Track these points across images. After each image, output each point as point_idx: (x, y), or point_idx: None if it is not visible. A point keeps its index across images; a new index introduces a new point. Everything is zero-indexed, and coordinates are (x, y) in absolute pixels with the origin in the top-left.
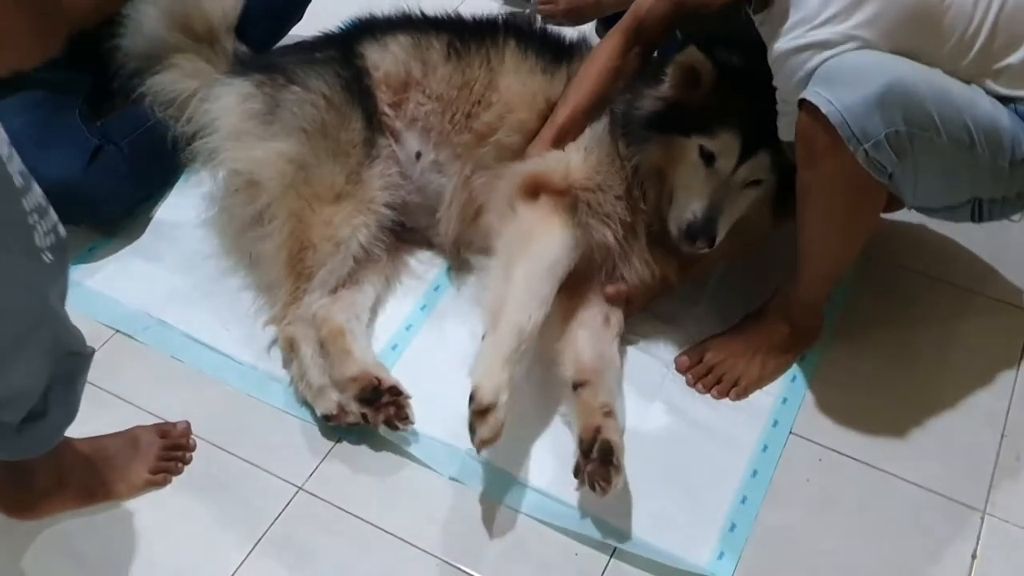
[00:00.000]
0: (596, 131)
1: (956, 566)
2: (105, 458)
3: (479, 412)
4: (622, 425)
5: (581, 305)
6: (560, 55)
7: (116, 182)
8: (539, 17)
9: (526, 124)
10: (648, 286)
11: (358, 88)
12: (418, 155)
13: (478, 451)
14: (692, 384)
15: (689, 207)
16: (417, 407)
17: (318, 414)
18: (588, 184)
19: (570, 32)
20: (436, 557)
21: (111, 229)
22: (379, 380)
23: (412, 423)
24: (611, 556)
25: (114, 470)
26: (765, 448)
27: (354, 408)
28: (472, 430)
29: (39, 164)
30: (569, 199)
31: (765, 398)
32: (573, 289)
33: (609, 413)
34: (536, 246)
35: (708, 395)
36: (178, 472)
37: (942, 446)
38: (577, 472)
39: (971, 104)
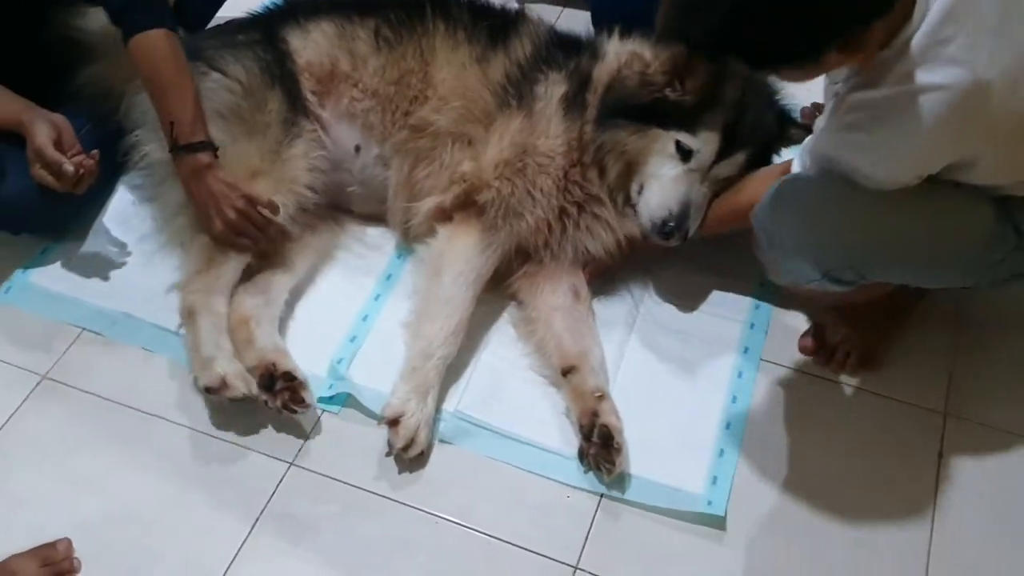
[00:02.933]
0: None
1: (924, 466)
2: None
3: (389, 423)
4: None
5: (547, 287)
6: (495, 37)
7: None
8: None
9: (463, 110)
10: (617, 253)
11: (280, 71)
12: (357, 148)
13: (398, 460)
14: (823, 363)
15: (663, 204)
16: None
17: (199, 386)
18: (506, 173)
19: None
20: (433, 515)
21: (61, 233)
22: (274, 366)
23: (308, 406)
24: (601, 496)
25: None
26: (740, 375)
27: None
28: (389, 442)
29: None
30: (476, 209)
31: (732, 326)
32: (533, 277)
33: (602, 396)
34: (444, 261)
35: (673, 330)
36: None
37: (900, 355)
38: (582, 456)
39: (931, 230)
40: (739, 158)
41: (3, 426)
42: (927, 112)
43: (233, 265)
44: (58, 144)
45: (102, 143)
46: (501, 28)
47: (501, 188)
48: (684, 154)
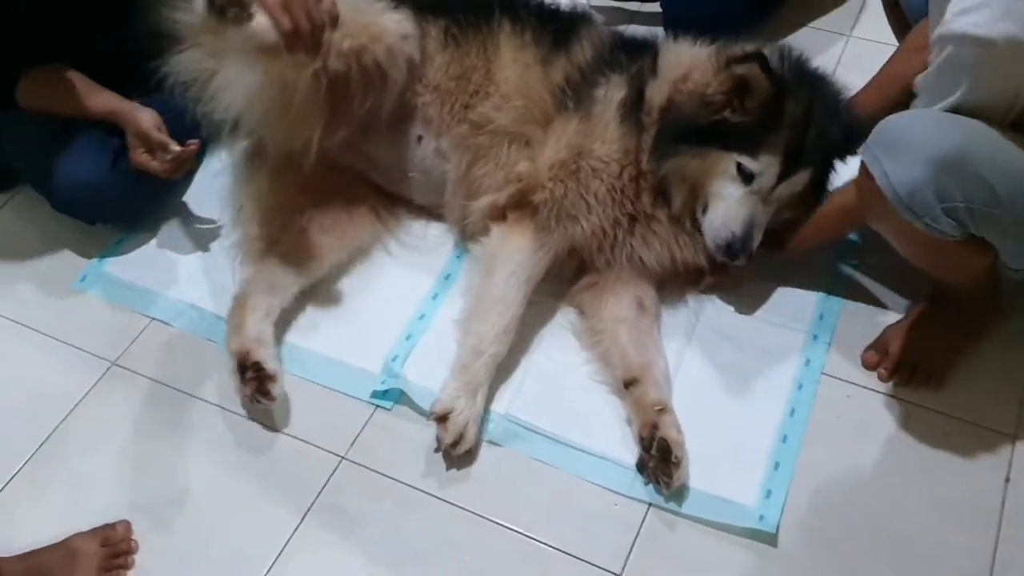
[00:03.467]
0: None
1: (990, 491)
2: (42, 575)
3: (438, 419)
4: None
5: (611, 299)
6: (559, 39)
7: (140, 180)
8: None
9: (523, 110)
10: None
11: None
12: (419, 139)
13: (446, 457)
14: (886, 379)
15: (726, 225)
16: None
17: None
18: (560, 174)
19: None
20: (479, 515)
21: (135, 224)
22: (248, 354)
23: (273, 399)
24: (650, 505)
25: None
26: (800, 387)
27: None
28: (437, 438)
29: (65, 166)
30: (531, 209)
31: (794, 336)
32: (596, 288)
33: (663, 410)
34: (497, 260)
35: (732, 338)
36: None
37: (969, 374)
38: (642, 468)
39: None
40: (802, 177)
41: (73, 409)
42: None
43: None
44: (160, 130)
45: (182, 134)
46: (565, 30)
47: (555, 189)
48: (746, 177)
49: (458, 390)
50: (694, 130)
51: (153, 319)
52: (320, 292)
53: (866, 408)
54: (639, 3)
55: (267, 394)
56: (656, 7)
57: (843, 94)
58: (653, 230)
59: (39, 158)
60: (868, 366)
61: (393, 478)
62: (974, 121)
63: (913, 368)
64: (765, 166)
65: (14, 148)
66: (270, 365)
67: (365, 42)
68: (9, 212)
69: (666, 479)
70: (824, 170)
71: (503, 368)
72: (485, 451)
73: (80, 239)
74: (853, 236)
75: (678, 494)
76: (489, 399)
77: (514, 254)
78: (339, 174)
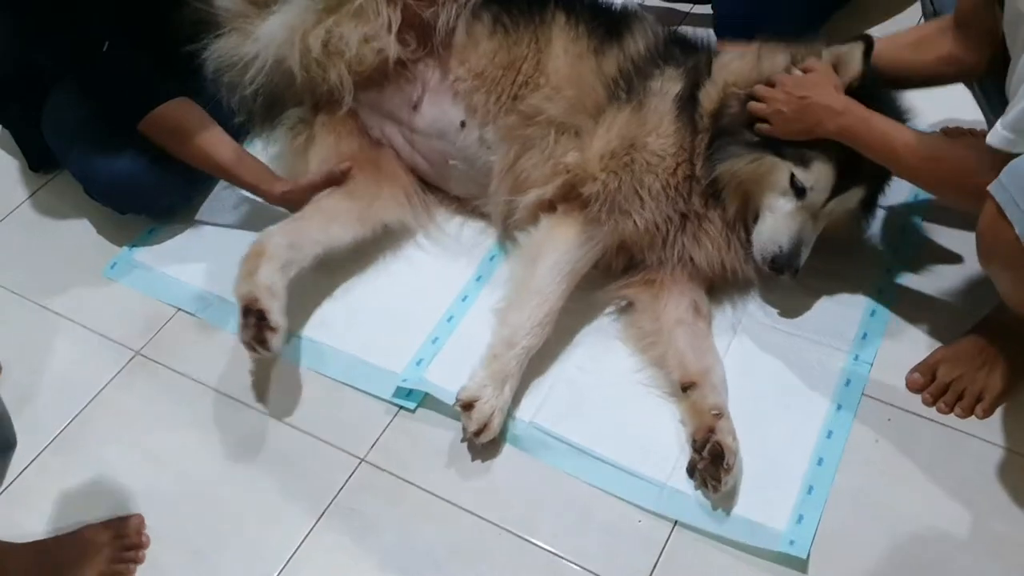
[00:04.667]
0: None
1: None
2: (52, 565)
3: (463, 407)
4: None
5: (670, 300)
6: (611, 31)
7: (179, 172)
8: None
9: (574, 100)
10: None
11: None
12: (463, 124)
13: (471, 447)
14: (931, 404)
15: (774, 239)
16: None
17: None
18: (612, 166)
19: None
20: (498, 526)
21: (167, 216)
22: (256, 301)
23: (269, 350)
24: (675, 524)
25: None
26: (839, 408)
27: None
28: (463, 427)
29: (106, 156)
30: (580, 202)
31: (836, 355)
32: (653, 287)
33: (720, 415)
34: (542, 251)
35: (771, 354)
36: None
37: (1019, 404)
38: (692, 470)
39: None
40: (856, 194)
41: (94, 397)
42: None
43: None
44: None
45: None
46: (618, 23)
47: (608, 181)
48: (798, 191)
49: (486, 379)
50: (747, 137)
51: (180, 310)
52: (348, 288)
53: (908, 433)
54: (691, 4)
55: (264, 343)
56: (708, 9)
57: (907, 113)
58: (706, 230)
59: (77, 145)
60: (913, 388)
61: (412, 483)
62: None
63: (960, 394)
64: (817, 179)
65: (53, 133)
66: (274, 317)
67: None
68: (47, 194)
69: (715, 483)
70: (877, 188)
71: (533, 376)
72: (507, 459)
73: (112, 227)
74: (905, 248)
75: (706, 512)
76: (516, 404)
77: (560, 244)
78: (378, 150)
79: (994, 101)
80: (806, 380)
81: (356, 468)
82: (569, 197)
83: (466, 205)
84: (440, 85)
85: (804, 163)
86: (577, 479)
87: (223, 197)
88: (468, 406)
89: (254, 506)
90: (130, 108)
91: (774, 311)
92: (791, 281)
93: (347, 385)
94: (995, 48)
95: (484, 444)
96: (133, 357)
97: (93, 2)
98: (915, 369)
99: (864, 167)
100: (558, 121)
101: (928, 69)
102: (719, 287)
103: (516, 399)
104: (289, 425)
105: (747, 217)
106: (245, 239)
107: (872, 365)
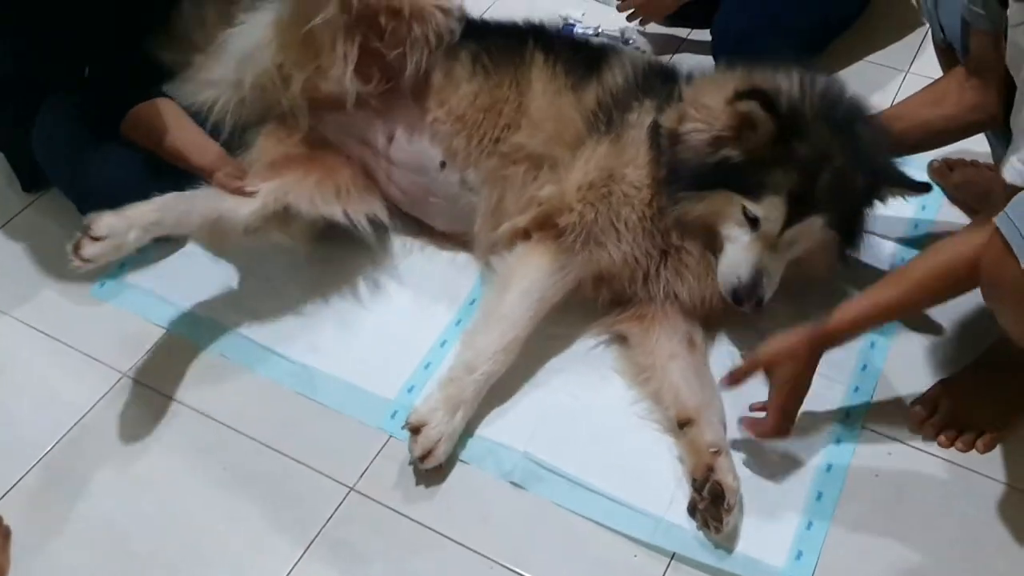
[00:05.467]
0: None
1: None
2: None
3: (411, 430)
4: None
5: (662, 333)
6: (590, 66)
7: (170, 183)
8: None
9: (553, 132)
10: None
11: None
12: (442, 165)
13: (416, 471)
14: (932, 437)
15: (734, 269)
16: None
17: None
18: (590, 197)
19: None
20: (489, 559)
21: None
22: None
23: (85, 260)
24: (671, 559)
25: None
26: (839, 441)
27: None
28: (408, 449)
29: (96, 163)
30: (555, 231)
31: (834, 387)
32: (645, 321)
33: (718, 452)
34: (513, 277)
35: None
36: None
37: (1020, 437)
38: (692, 510)
39: None
40: (815, 222)
41: (79, 420)
42: None
43: None
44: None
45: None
46: (597, 57)
47: (584, 212)
48: (751, 221)
49: (439, 402)
50: (699, 168)
51: (169, 331)
52: (340, 312)
53: (908, 467)
54: (689, 29)
55: (78, 249)
56: (707, 35)
57: (882, 136)
58: (685, 263)
59: (67, 162)
60: (914, 422)
61: (403, 514)
62: None
63: (961, 428)
64: (768, 210)
65: (43, 150)
66: (100, 229)
67: None
68: (35, 212)
69: (716, 524)
70: (850, 218)
71: (522, 404)
72: (499, 491)
73: None
74: None
75: (702, 547)
76: (507, 433)
77: (531, 272)
78: (324, 151)
79: (1000, 135)
80: (805, 412)
81: (345, 497)
82: (545, 226)
83: (452, 240)
84: (418, 123)
85: (754, 194)
86: (571, 512)
87: None
88: (416, 430)
89: (240, 533)
90: (113, 117)
91: None
92: (752, 312)
93: (339, 412)
94: (1012, 87)
95: (428, 471)
96: (120, 379)
97: (69, 34)
98: (916, 402)
99: (818, 195)
100: (536, 154)
101: (954, 122)
102: (713, 318)
103: (507, 427)
104: (277, 451)
105: (716, 248)
106: (236, 260)
107: (872, 397)
